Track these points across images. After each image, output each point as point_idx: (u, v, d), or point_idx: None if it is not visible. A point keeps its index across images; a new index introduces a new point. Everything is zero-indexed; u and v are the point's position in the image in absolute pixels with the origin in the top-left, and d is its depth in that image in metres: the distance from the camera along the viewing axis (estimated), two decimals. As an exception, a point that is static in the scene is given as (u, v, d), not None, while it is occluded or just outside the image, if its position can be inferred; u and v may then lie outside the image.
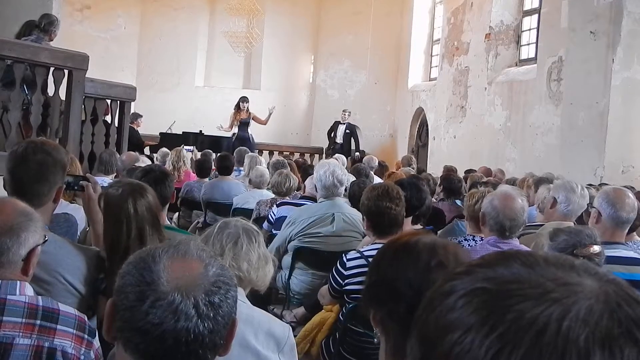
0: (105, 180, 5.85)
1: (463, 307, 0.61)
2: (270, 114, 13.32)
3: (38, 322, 1.81)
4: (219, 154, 8.06)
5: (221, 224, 2.27)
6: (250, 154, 8.30)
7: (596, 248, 2.58)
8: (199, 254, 1.28)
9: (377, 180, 7.08)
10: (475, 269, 0.65)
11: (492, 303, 0.60)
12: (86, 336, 1.89)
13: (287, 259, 4.54)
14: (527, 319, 0.57)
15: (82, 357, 1.85)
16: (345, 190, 5.15)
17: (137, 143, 10.79)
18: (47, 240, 2.04)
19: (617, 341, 0.56)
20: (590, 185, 5.87)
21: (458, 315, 0.61)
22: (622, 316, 0.58)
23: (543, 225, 4.03)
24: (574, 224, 3.91)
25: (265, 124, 13.48)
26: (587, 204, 4.01)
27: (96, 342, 1.93)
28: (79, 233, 3.69)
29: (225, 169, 7.14)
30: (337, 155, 9.98)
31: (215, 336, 1.21)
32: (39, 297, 1.89)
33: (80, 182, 2.74)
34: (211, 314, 1.20)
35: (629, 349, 0.56)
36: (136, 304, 1.18)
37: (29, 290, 1.91)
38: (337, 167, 4.69)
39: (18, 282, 1.88)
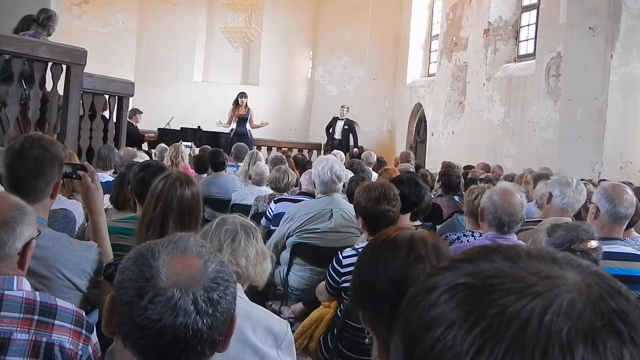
0: (104, 175, 5.85)
1: (445, 302, 0.61)
2: (261, 125, 13.42)
3: (36, 317, 1.81)
4: (209, 151, 8.04)
5: (219, 220, 2.28)
6: (250, 150, 8.30)
7: (593, 243, 2.58)
8: (199, 250, 1.28)
9: (375, 176, 7.07)
10: (457, 264, 0.65)
11: (474, 298, 0.60)
12: (84, 331, 1.89)
13: (285, 255, 4.54)
14: (509, 314, 0.57)
15: (79, 352, 1.86)
16: (344, 186, 5.15)
17: (136, 138, 10.78)
18: (40, 233, 2.03)
19: (600, 334, 0.56)
20: (582, 179, 5.87)
21: (441, 311, 0.61)
22: (604, 308, 0.58)
23: (541, 221, 4.03)
24: (572, 219, 3.91)
25: (252, 127, 13.49)
26: (586, 200, 4.01)
27: (94, 337, 1.93)
28: (77, 228, 3.69)
29: (218, 165, 7.13)
30: (335, 151, 9.96)
31: (214, 332, 1.21)
32: (37, 293, 1.89)
33: (78, 171, 2.73)
34: (210, 310, 1.20)
35: (612, 342, 0.56)
36: (135, 299, 1.19)
37: (27, 285, 1.91)
38: (335, 163, 4.68)
39: (15, 277, 1.88)
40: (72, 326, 1.86)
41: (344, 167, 5.33)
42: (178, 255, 1.25)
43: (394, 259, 1.52)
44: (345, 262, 3.40)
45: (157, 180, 2.78)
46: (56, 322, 1.84)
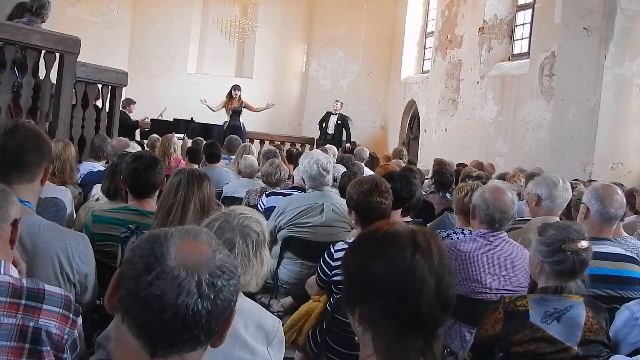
0: (95, 165, 5.83)
1: None
2: (265, 108, 13.45)
3: (23, 301, 1.80)
4: (205, 142, 8.04)
5: (222, 222, 2.21)
6: (243, 143, 8.30)
7: (584, 243, 2.59)
8: (209, 240, 1.32)
9: (367, 171, 7.08)
10: None
11: None
12: (71, 315, 1.89)
13: (275, 249, 4.53)
14: None
15: (65, 337, 1.85)
16: (335, 180, 5.14)
17: (131, 125, 10.72)
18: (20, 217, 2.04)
19: None
20: (576, 180, 5.88)
21: None
22: None
23: (530, 220, 4.04)
24: (563, 217, 3.93)
25: (256, 112, 13.55)
26: (577, 200, 4.02)
27: (79, 320, 1.93)
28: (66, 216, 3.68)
29: (213, 156, 7.13)
30: (328, 145, 9.97)
31: (211, 319, 1.23)
32: (23, 279, 1.88)
33: None
34: (212, 295, 1.22)
35: None
36: (142, 273, 1.21)
37: (14, 271, 1.91)
38: (320, 156, 4.67)
39: (2, 261, 1.88)
40: (61, 310, 1.86)
41: (333, 160, 5.33)
42: (190, 240, 1.28)
43: (401, 254, 1.48)
44: (337, 255, 3.40)
45: (173, 177, 3.01)
46: (44, 306, 1.83)
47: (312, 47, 16.66)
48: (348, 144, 13.61)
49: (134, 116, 11.73)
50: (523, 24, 11.47)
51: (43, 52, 6.43)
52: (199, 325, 1.21)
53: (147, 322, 1.20)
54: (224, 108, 13.33)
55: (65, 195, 3.91)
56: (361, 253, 1.54)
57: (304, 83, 16.77)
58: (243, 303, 2.14)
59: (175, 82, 15.62)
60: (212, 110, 13.31)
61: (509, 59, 11.62)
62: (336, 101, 14.30)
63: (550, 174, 4.26)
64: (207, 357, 1.30)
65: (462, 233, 3.90)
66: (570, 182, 4.37)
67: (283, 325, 2.61)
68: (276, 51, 16.32)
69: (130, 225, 3.10)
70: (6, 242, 1.94)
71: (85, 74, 7.05)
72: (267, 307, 4.02)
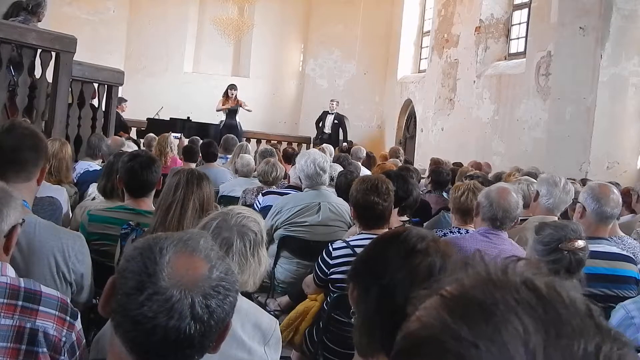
0: (91, 165, 5.82)
1: None
2: (248, 108, 13.49)
3: (20, 303, 1.80)
4: (202, 141, 8.04)
5: (219, 222, 2.20)
6: (240, 142, 8.30)
7: (581, 243, 2.60)
8: (207, 253, 1.26)
9: (364, 170, 7.08)
10: None
11: None
12: (68, 318, 1.87)
13: (272, 248, 4.53)
14: None
15: (63, 339, 1.84)
16: (332, 179, 5.14)
17: (122, 125, 10.72)
18: (24, 221, 2.01)
19: None
20: (572, 180, 5.88)
21: None
22: None
23: (527, 219, 4.05)
24: (559, 218, 3.94)
25: (250, 111, 13.56)
26: (574, 199, 4.04)
27: (78, 324, 1.92)
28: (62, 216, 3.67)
29: (209, 155, 7.13)
30: (325, 145, 9.96)
31: (204, 339, 1.21)
32: (21, 279, 1.87)
33: None
34: (205, 317, 1.19)
35: None
36: (134, 292, 1.18)
37: (11, 271, 1.90)
38: (317, 155, 4.67)
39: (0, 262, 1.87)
40: (57, 312, 1.85)
41: (329, 159, 5.32)
42: (185, 256, 1.23)
43: (404, 245, 1.49)
44: (335, 253, 3.41)
45: (173, 176, 2.99)
46: (40, 308, 1.82)
47: (309, 46, 16.64)
48: (345, 143, 13.60)
49: (129, 115, 11.74)
50: (519, 24, 11.48)
51: (39, 50, 6.41)
52: (191, 346, 1.20)
53: (137, 341, 1.19)
54: (222, 105, 13.34)
55: (61, 194, 3.90)
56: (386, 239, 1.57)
57: (301, 82, 16.75)
58: (240, 302, 2.12)
59: (172, 81, 15.58)
60: (218, 108, 13.33)
61: (505, 59, 11.63)
62: (332, 100, 14.30)
63: (554, 175, 4.26)
64: (204, 357, 1.30)
65: (459, 232, 3.91)
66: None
67: (280, 324, 2.61)
68: (273, 50, 16.30)
69: (130, 222, 3.10)
70: (3, 246, 1.92)
71: (81, 72, 7.03)
72: (263, 306, 4.02)
